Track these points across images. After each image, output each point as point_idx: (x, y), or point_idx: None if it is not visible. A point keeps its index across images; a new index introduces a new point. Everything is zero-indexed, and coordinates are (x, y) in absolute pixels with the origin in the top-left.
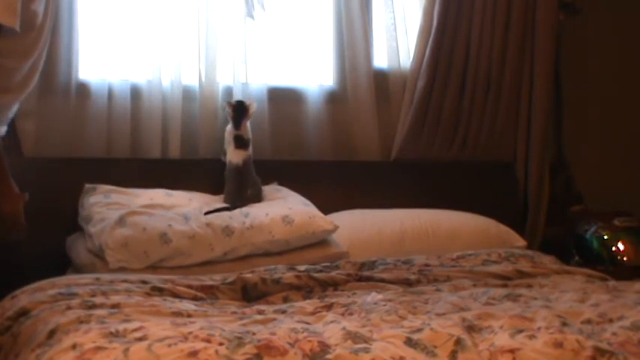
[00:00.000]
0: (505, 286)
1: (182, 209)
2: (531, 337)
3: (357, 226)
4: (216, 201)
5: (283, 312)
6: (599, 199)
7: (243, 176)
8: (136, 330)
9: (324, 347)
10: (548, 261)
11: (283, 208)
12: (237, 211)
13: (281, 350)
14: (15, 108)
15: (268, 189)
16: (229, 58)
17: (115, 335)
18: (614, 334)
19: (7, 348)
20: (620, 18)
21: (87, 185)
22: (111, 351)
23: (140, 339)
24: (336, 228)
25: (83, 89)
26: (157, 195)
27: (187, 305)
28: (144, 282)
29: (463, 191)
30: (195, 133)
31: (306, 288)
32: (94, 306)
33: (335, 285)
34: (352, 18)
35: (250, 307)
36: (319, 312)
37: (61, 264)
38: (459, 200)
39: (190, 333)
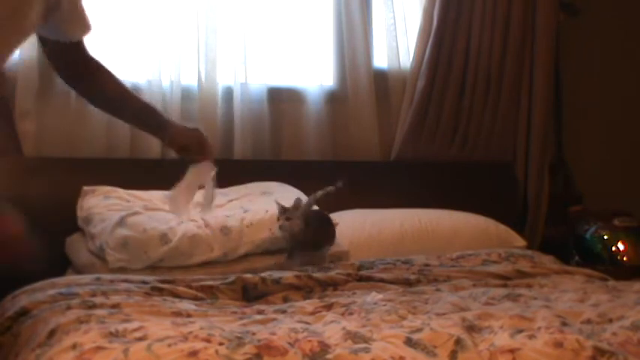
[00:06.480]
0: (505, 286)
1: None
2: (531, 337)
3: (357, 226)
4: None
5: (283, 312)
6: (599, 199)
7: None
8: (136, 330)
9: (324, 347)
10: (548, 261)
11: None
12: (237, 208)
13: (281, 350)
14: None
15: (268, 185)
16: (229, 58)
17: (115, 335)
18: (614, 334)
19: (7, 348)
20: (620, 18)
21: (85, 187)
22: (111, 351)
23: (140, 339)
24: (335, 224)
25: None
26: (156, 197)
27: (187, 305)
28: (144, 282)
29: (463, 191)
30: None
31: (306, 288)
32: (94, 306)
33: (335, 285)
34: (352, 18)
35: (250, 307)
36: (319, 312)
37: (61, 264)
38: (458, 200)
39: (190, 333)
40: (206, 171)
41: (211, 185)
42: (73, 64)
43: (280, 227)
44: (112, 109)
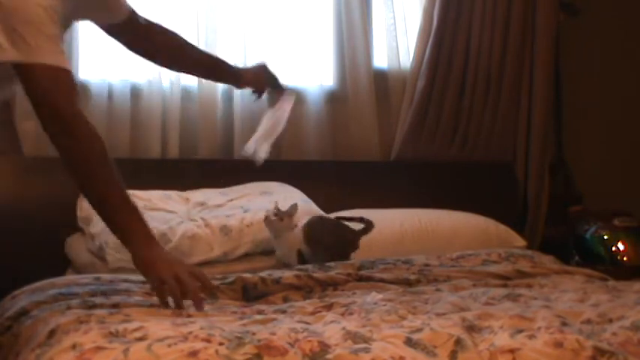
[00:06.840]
0: (505, 286)
1: (180, 210)
2: (531, 337)
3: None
4: (214, 194)
5: (283, 312)
6: (599, 199)
7: None
8: (136, 330)
9: (324, 347)
10: (548, 261)
11: (284, 205)
12: (237, 208)
13: (281, 350)
14: None
15: (268, 185)
16: (229, 57)
17: (115, 335)
18: (614, 334)
19: (7, 348)
20: (620, 18)
21: None
22: (111, 351)
23: (140, 339)
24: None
25: (83, 89)
26: (156, 197)
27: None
28: (144, 282)
29: (463, 191)
30: (195, 133)
31: (306, 288)
32: (94, 306)
33: (335, 285)
34: (352, 18)
35: (250, 307)
36: (319, 312)
37: (61, 264)
38: (458, 200)
39: (190, 333)
40: (288, 102)
41: (285, 114)
42: (135, 36)
43: (265, 219)
44: (184, 67)
